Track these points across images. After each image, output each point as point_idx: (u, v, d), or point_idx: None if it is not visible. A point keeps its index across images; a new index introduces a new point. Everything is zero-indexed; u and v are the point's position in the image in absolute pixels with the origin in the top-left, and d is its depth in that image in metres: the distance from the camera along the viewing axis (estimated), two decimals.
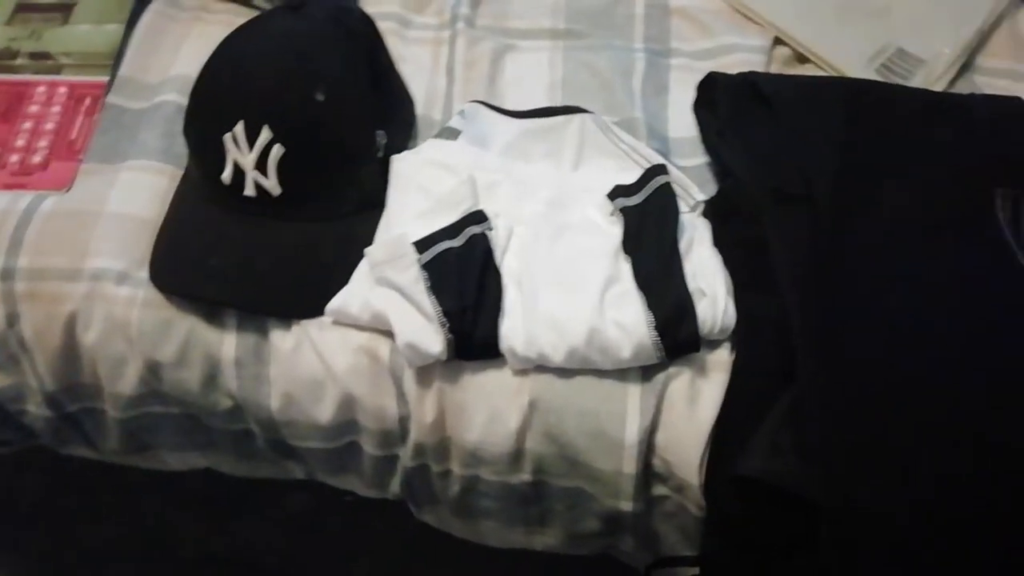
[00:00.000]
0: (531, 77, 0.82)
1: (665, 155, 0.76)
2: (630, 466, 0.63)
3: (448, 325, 0.61)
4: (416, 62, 0.84)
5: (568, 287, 0.64)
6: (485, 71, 0.81)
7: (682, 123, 0.79)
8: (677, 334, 0.61)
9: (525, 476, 0.67)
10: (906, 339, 0.60)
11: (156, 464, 0.81)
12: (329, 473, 0.76)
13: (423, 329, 0.62)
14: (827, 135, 0.70)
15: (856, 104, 0.73)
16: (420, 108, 0.80)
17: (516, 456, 0.66)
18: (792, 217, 0.64)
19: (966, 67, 0.83)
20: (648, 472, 0.65)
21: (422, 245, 0.64)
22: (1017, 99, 0.74)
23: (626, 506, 0.65)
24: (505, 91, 0.81)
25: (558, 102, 0.79)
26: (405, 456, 0.69)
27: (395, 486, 0.74)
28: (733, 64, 0.82)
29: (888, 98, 0.75)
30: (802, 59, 0.84)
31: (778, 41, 0.85)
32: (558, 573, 0.89)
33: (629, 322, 0.62)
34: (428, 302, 0.61)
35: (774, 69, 0.84)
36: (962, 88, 0.82)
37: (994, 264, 0.64)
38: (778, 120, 0.71)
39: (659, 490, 0.66)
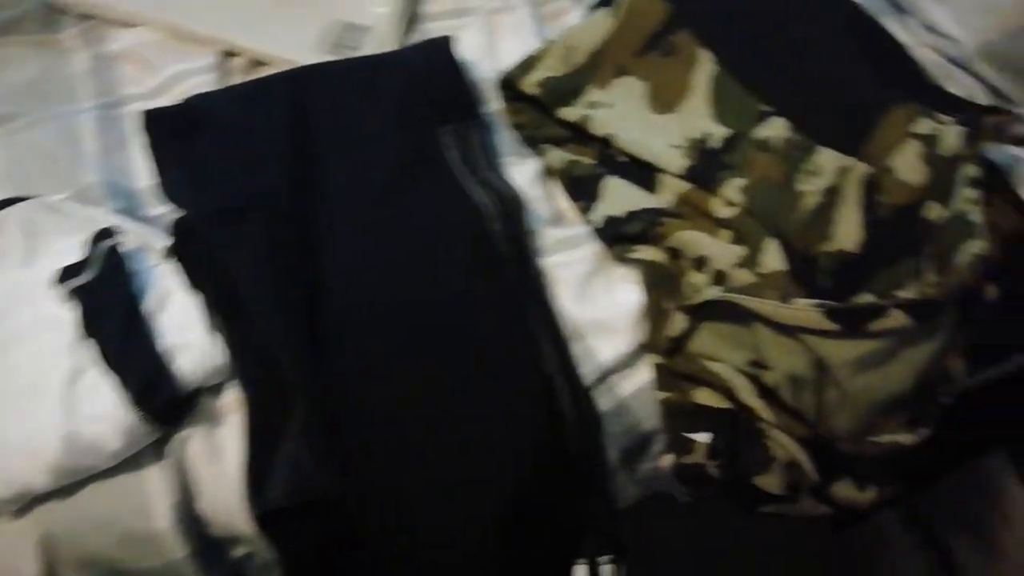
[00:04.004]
0: None
1: (134, 210, 0.71)
2: (178, 550, 0.58)
3: None
4: None
5: (27, 402, 0.57)
6: None
7: (149, 172, 0.73)
8: (157, 400, 0.56)
9: None
10: (374, 310, 0.60)
11: None
12: None
13: None
14: (272, 134, 0.68)
15: (301, 93, 0.72)
16: None
17: None
18: (242, 232, 0.61)
19: (416, 19, 0.86)
20: (211, 542, 0.60)
21: None
22: (442, 38, 0.76)
23: None
24: None
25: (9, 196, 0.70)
26: None
27: None
28: (188, 91, 0.77)
29: (332, 76, 0.74)
30: (259, 63, 0.82)
31: (231, 53, 0.82)
32: None
33: (106, 410, 0.56)
34: None
35: (237, 80, 0.81)
36: (418, 40, 0.83)
37: (447, 201, 0.65)
38: (220, 136, 0.68)
39: (239, 551, 0.62)
